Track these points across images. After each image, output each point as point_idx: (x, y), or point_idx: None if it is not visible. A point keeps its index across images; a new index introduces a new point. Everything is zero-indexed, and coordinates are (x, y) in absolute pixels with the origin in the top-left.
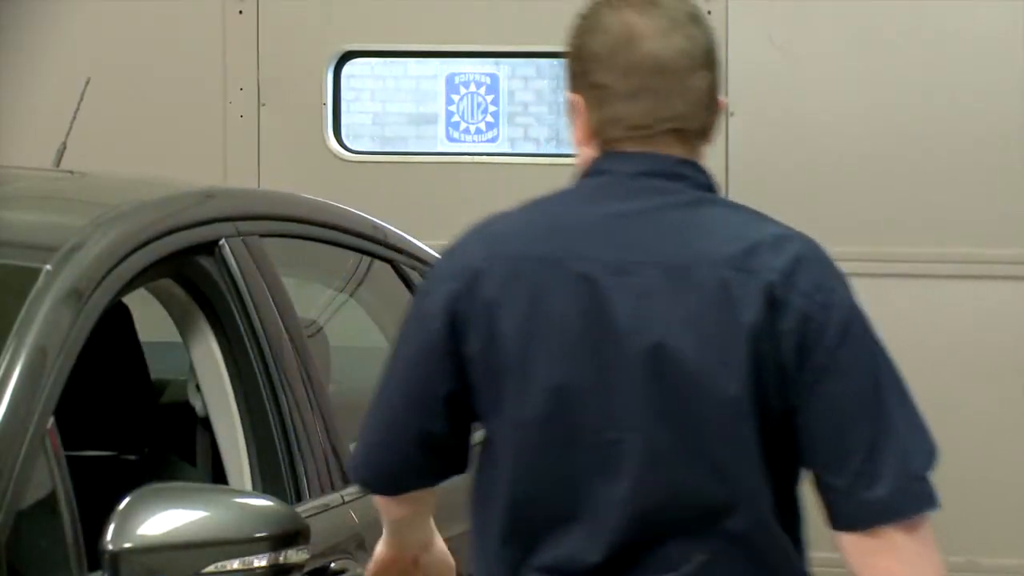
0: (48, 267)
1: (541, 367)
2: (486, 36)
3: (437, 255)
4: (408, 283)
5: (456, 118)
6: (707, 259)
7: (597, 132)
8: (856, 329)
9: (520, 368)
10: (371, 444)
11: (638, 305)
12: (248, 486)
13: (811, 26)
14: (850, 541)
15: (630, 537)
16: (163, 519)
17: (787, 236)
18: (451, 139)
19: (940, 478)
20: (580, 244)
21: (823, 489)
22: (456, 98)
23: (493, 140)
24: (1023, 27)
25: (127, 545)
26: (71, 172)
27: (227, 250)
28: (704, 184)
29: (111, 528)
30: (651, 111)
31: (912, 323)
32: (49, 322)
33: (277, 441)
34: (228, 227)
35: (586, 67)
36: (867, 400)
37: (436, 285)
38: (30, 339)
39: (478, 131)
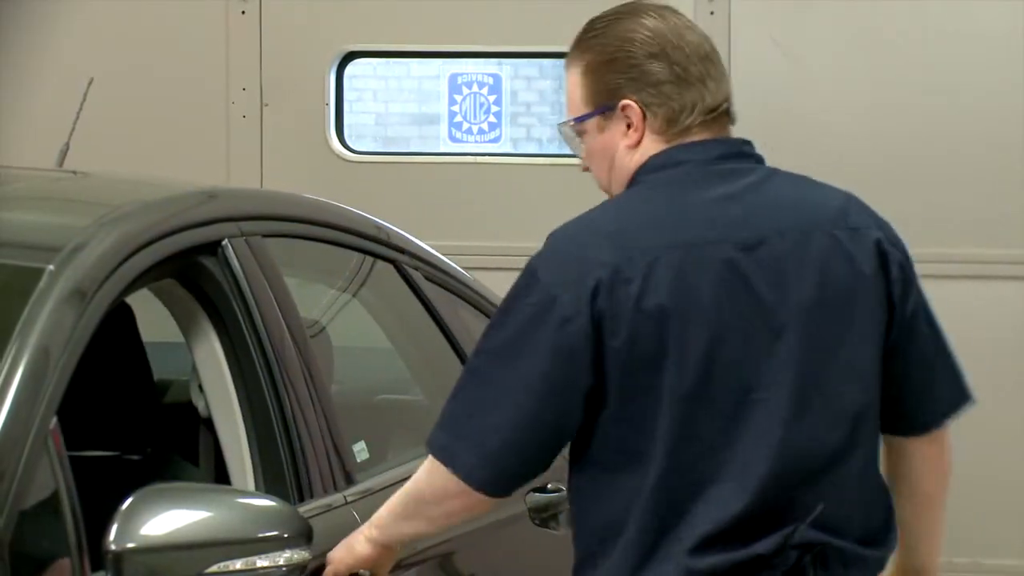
0: (51, 267)
1: (694, 345)
2: (489, 36)
3: (440, 255)
4: (411, 283)
5: (459, 118)
6: (815, 223)
7: (668, 125)
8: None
9: (677, 349)
10: (496, 448)
11: (772, 274)
12: (251, 486)
13: (813, 26)
14: (916, 444)
15: (767, 491)
16: (166, 519)
17: (855, 197)
18: (454, 139)
19: None
20: (706, 228)
21: (904, 406)
22: (459, 98)
23: (496, 140)
24: (1023, 27)
25: (130, 545)
26: (74, 172)
27: (230, 250)
28: (760, 159)
29: (114, 528)
30: (716, 93)
31: None
32: (52, 322)
33: (280, 441)
34: (231, 227)
35: (644, 69)
36: (933, 323)
37: (564, 289)
38: (33, 339)
39: (481, 131)
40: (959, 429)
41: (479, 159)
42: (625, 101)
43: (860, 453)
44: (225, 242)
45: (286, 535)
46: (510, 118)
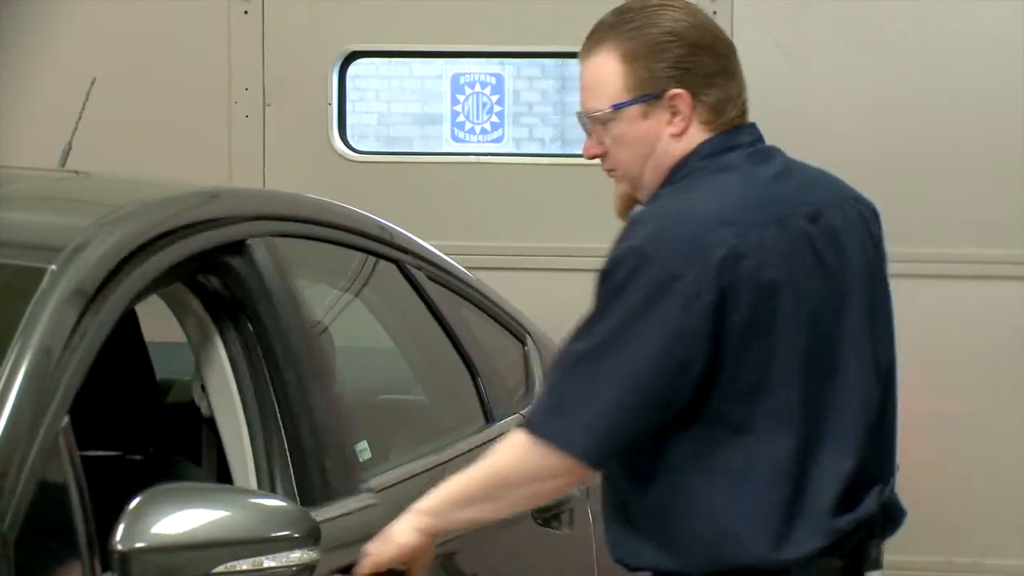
0: (53, 267)
1: (800, 314)
2: (491, 36)
3: (443, 255)
4: (413, 283)
5: (461, 118)
6: (842, 196)
7: (715, 115)
8: None
9: (787, 319)
10: (609, 431)
11: (832, 243)
12: (253, 486)
13: (814, 27)
14: None
15: (864, 449)
16: (174, 519)
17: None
18: (456, 139)
19: (942, 479)
20: (780, 203)
21: None
22: (461, 98)
23: (498, 140)
24: (1023, 27)
25: (138, 545)
26: (76, 172)
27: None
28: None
29: (121, 528)
30: (744, 86)
31: (912, 323)
32: (54, 322)
33: (282, 441)
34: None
35: (695, 60)
36: None
37: (687, 267)
38: (35, 340)
39: (483, 131)
40: (959, 429)
41: (482, 159)
42: (675, 90)
43: (891, 408)
44: None
45: (296, 535)
46: (512, 118)
